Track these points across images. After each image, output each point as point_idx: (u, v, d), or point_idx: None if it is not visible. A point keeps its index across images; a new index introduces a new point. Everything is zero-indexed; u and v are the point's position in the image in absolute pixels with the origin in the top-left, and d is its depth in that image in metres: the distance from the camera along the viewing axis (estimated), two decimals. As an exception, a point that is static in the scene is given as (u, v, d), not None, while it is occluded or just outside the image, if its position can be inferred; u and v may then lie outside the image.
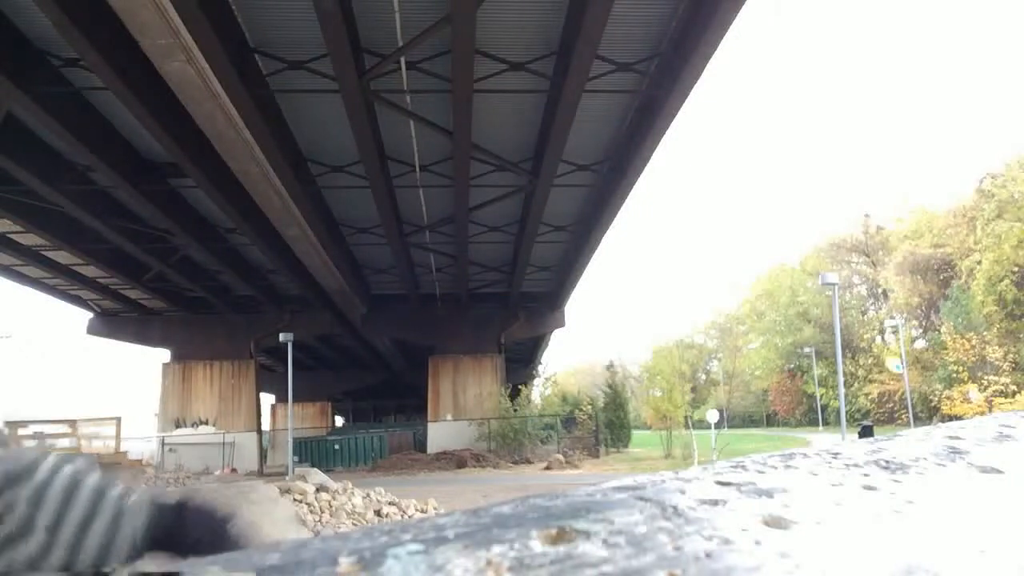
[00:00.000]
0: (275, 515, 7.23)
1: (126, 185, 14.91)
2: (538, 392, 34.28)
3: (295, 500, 8.59)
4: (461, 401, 26.76)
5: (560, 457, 22.67)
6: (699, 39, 10.65)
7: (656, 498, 0.41)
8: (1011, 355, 31.31)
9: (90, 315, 27.35)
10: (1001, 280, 31.77)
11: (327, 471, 16.57)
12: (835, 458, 0.50)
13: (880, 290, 48.00)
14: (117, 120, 13.54)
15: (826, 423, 44.14)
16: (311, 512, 8.60)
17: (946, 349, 33.68)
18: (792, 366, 53.21)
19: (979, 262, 33.76)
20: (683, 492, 0.42)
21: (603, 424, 28.01)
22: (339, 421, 48.81)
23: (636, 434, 34.28)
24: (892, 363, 35.07)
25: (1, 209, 16.25)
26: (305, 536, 2.68)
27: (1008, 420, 0.65)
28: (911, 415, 29.76)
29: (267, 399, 41.13)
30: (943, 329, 35.67)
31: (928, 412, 34.04)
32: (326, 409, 47.02)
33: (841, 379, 17.38)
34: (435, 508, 10.20)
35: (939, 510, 0.42)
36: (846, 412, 18.77)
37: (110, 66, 10.02)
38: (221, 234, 19.89)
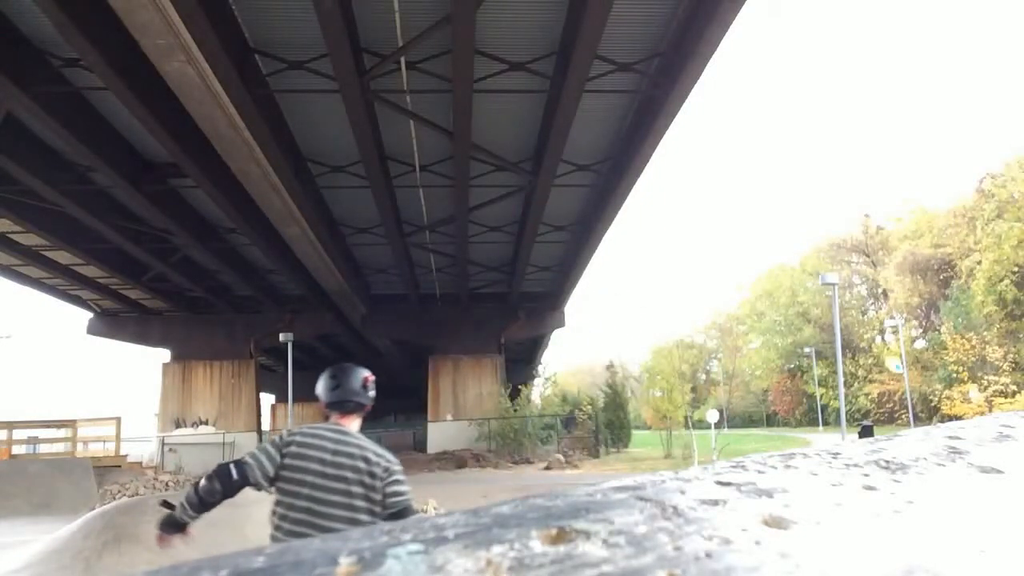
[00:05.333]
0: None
1: (126, 185, 14.92)
2: (538, 392, 34.21)
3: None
4: (461, 401, 26.73)
5: (560, 457, 22.65)
6: (699, 39, 10.66)
7: (656, 498, 0.41)
8: (1011, 355, 31.32)
9: (90, 315, 27.34)
10: (1001, 280, 31.76)
11: (327, 471, 16.52)
12: (835, 458, 0.50)
13: (880, 290, 47.97)
14: (117, 120, 13.53)
15: (826, 423, 44.12)
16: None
17: (946, 349, 33.69)
18: (792, 366, 53.15)
19: (979, 262, 33.75)
20: (683, 492, 0.42)
21: (603, 424, 27.98)
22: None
23: (636, 434, 34.26)
24: (892, 363, 35.10)
25: (1, 209, 16.24)
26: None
27: (1008, 420, 0.65)
28: (911, 415, 29.78)
29: (267, 399, 41.13)
30: (943, 329, 35.69)
31: (928, 412, 34.04)
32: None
33: (841, 379, 17.36)
34: (435, 508, 10.18)
35: (939, 510, 0.42)
36: (846, 412, 18.76)
37: (110, 66, 10.01)
38: (221, 234, 19.88)
